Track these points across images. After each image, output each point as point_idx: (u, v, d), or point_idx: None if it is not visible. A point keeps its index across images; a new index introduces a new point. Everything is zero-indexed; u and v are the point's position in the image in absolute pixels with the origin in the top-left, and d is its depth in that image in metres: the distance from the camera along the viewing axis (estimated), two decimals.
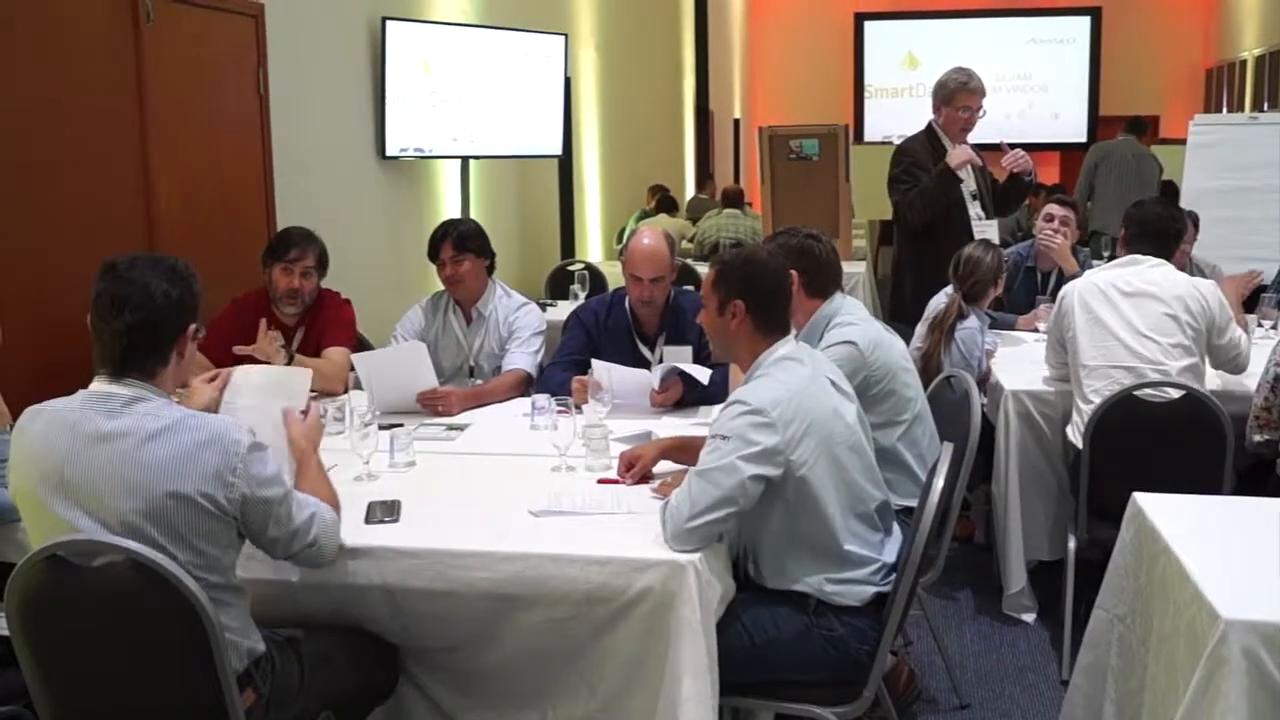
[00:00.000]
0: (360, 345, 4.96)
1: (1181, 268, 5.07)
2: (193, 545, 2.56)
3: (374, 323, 5.45)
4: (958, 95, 6.29)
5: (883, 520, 3.24)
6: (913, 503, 3.50)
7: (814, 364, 3.24)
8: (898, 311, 6.38)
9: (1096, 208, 10.56)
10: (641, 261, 4.52)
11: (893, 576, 3.16)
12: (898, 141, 6.68)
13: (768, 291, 3.24)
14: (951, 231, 6.04)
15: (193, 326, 2.72)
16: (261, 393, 3.22)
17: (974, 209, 6.27)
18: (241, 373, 3.29)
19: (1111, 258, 5.80)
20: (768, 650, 3.08)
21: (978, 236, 5.98)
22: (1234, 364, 4.52)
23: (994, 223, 6.34)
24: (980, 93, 6.34)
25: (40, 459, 2.58)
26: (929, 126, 6.43)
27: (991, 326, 5.35)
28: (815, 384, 3.15)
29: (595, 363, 4.34)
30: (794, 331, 3.38)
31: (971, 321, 5.13)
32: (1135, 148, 10.76)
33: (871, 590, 3.12)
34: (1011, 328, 5.91)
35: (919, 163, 6.23)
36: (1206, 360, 4.48)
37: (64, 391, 2.70)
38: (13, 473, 2.66)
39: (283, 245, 4.69)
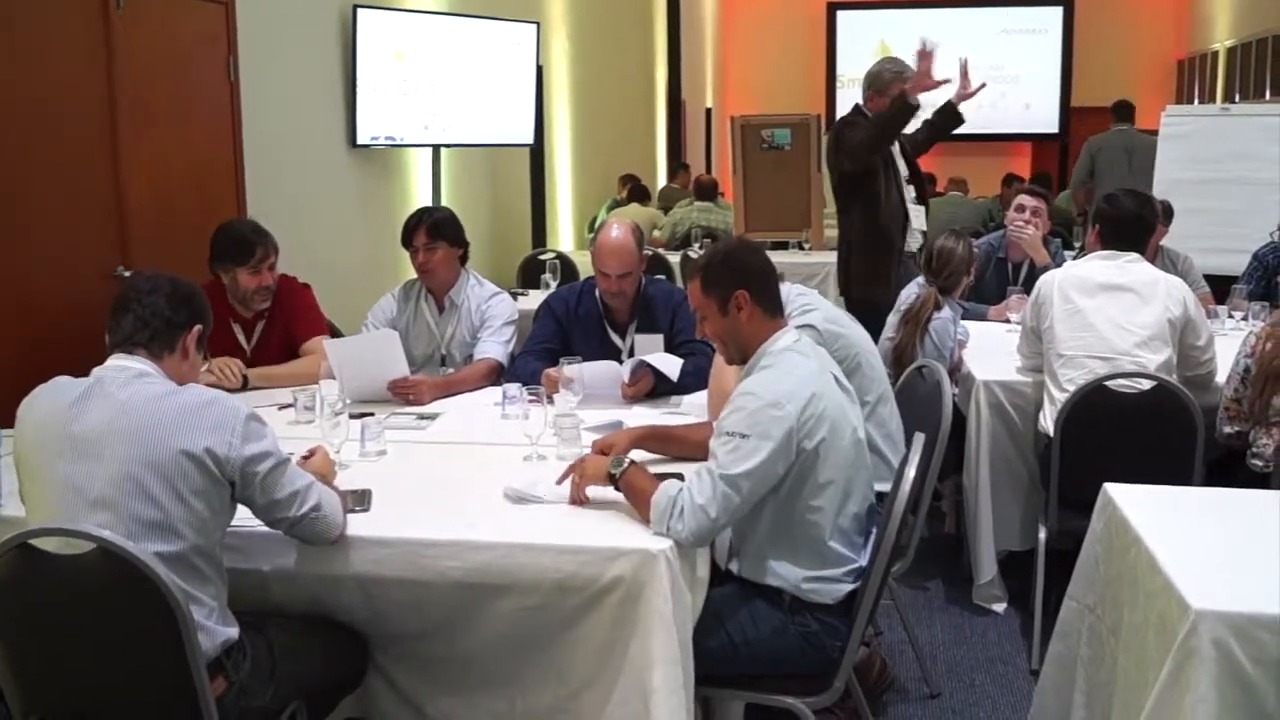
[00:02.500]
0: (330, 333, 4.92)
1: (1152, 259, 5.09)
2: (186, 501, 2.60)
3: (345, 312, 5.42)
4: (894, 85, 6.30)
5: (868, 524, 3.24)
6: (884, 487, 3.50)
7: (819, 358, 3.23)
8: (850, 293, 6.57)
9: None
10: (608, 257, 4.50)
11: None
12: None
13: (761, 271, 3.22)
14: (893, 214, 6.30)
15: (199, 327, 2.89)
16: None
17: (909, 191, 6.45)
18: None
19: (1083, 250, 5.84)
20: (744, 647, 3.09)
21: (912, 218, 6.37)
22: (1205, 366, 4.50)
23: (921, 208, 6.51)
24: None
25: (45, 423, 2.67)
26: (860, 111, 6.46)
27: (963, 317, 5.36)
28: (823, 379, 3.14)
29: (565, 364, 4.29)
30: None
31: (944, 312, 5.13)
32: (1128, 139, 10.20)
33: (846, 589, 3.12)
34: (983, 318, 5.93)
35: None
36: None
37: (36, 378, 2.79)
38: (17, 440, 2.74)
39: (244, 250, 4.52)
